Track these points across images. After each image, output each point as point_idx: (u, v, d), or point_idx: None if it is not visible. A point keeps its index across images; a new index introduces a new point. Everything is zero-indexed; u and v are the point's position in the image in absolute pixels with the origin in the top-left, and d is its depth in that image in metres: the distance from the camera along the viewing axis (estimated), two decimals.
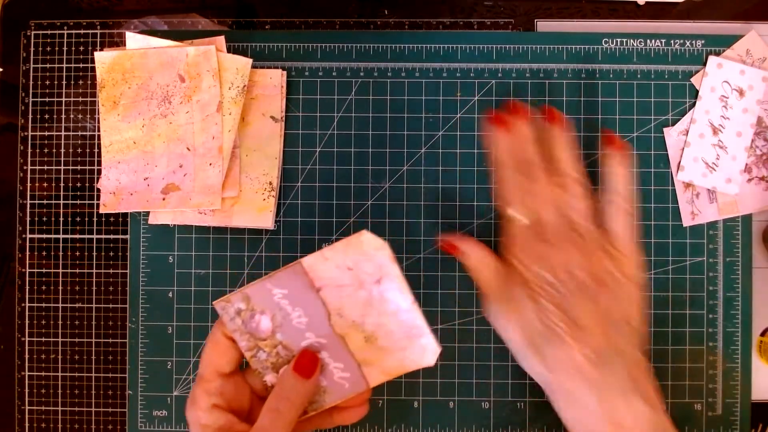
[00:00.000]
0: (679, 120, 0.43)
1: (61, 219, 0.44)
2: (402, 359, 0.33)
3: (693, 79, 0.43)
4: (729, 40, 0.43)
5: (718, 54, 0.43)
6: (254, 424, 0.31)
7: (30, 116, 0.45)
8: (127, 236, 0.44)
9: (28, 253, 0.44)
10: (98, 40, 0.45)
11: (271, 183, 0.43)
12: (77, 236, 0.44)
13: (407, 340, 0.33)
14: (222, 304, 0.33)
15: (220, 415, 0.31)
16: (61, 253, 0.44)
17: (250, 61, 0.42)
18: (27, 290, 0.44)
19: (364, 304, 0.33)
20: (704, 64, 0.43)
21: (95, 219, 0.44)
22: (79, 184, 0.44)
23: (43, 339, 0.44)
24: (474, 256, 0.36)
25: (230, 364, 0.33)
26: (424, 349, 0.33)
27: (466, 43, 0.44)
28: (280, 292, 0.33)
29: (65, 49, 0.45)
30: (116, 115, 0.43)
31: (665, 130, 0.43)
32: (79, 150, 0.44)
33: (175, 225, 0.43)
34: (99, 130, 0.43)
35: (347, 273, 0.33)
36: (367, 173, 0.43)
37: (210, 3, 0.45)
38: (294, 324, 0.33)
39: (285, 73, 0.43)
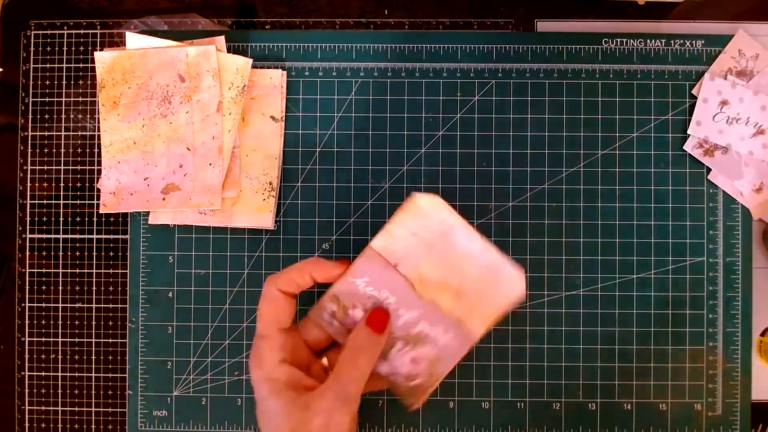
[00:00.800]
0: (679, 120, 0.43)
1: (61, 219, 0.44)
2: (495, 299, 0.34)
3: (694, 90, 0.43)
4: (728, 40, 0.43)
5: (716, 55, 0.43)
6: (332, 374, 0.32)
7: (30, 116, 0.45)
8: (127, 236, 0.44)
9: (28, 253, 0.44)
10: (98, 40, 0.45)
11: (271, 183, 0.43)
12: (77, 236, 0.44)
13: (493, 279, 0.34)
14: (317, 312, 0.34)
15: (288, 369, 0.32)
16: (61, 253, 0.44)
17: (250, 61, 0.42)
18: (27, 290, 0.44)
19: (441, 263, 0.34)
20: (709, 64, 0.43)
21: (95, 219, 0.44)
22: (79, 184, 0.44)
23: (43, 339, 0.44)
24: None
25: (289, 319, 0.34)
26: (511, 280, 0.34)
27: (466, 43, 0.44)
28: (363, 281, 0.34)
29: (65, 49, 0.45)
30: (116, 115, 0.43)
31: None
32: (79, 150, 0.44)
33: (175, 225, 0.43)
34: (99, 130, 0.43)
35: (414, 239, 0.34)
36: (367, 173, 0.43)
37: (210, 3, 0.45)
38: (384, 306, 0.34)
39: (285, 73, 0.43)
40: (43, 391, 0.44)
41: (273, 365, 0.32)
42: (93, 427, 0.44)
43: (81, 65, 0.45)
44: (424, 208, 0.34)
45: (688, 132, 0.43)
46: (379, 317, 0.34)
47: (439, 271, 0.34)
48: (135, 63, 0.42)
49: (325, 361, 0.35)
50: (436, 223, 0.34)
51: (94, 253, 0.44)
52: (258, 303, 0.34)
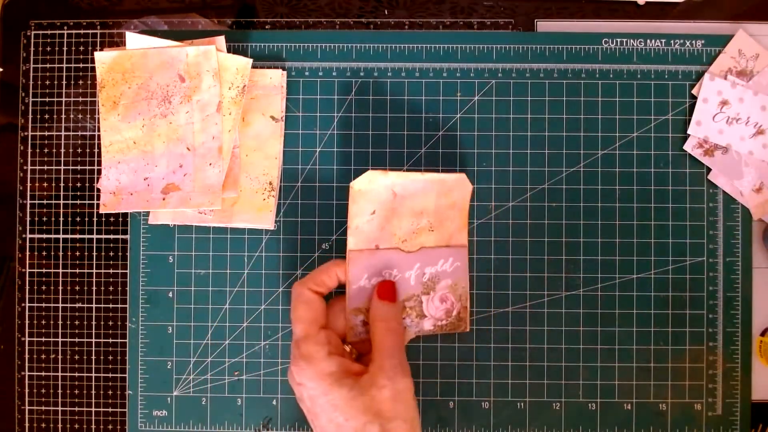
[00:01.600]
0: (679, 120, 0.43)
1: (61, 219, 0.44)
2: (457, 208, 0.39)
3: (694, 90, 0.43)
4: (728, 40, 0.43)
5: (716, 55, 0.43)
6: (375, 351, 0.35)
7: (30, 116, 0.45)
8: (127, 236, 0.44)
9: (28, 253, 0.44)
10: (98, 40, 0.45)
11: (271, 183, 0.43)
12: (77, 236, 0.44)
13: (445, 195, 0.38)
14: (352, 333, 0.37)
15: (338, 360, 0.34)
16: (61, 253, 0.44)
17: (250, 61, 0.42)
18: (27, 290, 0.44)
19: (405, 215, 0.38)
20: (709, 63, 0.43)
21: (95, 219, 0.44)
22: (79, 184, 0.44)
23: (43, 339, 0.44)
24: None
25: (324, 315, 0.36)
26: (457, 185, 0.38)
27: (466, 43, 0.44)
28: (364, 280, 0.37)
29: (65, 49, 0.45)
30: (116, 115, 0.43)
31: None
32: (79, 150, 0.44)
33: (175, 225, 0.43)
34: (99, 130, 0.43)
35: (375, 216, 0.37)
36: None
37: (210, 3, 0.45)
38: (394, 282, 0.38)
39: (285, 73, 0.43)
40: (43, 391, 0.44)
41: (324, 360, 0.34)
42: (93, 427, 0.44)
43: (81, 65, 0.45)
44: (364, 187, 0.36)
45: (688, 132, 0.43)
46: (386, 288, 0.37)
47: (409, 222, 0.38)
48: (135, 63, 0.42)
49: (347, 348, 0.37)
50: (382, 192, 0.37)
51: (94, 253, 0.44)
52: (292, 308, 0.35)
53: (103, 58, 0.43)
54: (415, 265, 0.38)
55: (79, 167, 0.44)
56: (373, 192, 0.37)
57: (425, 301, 0.39)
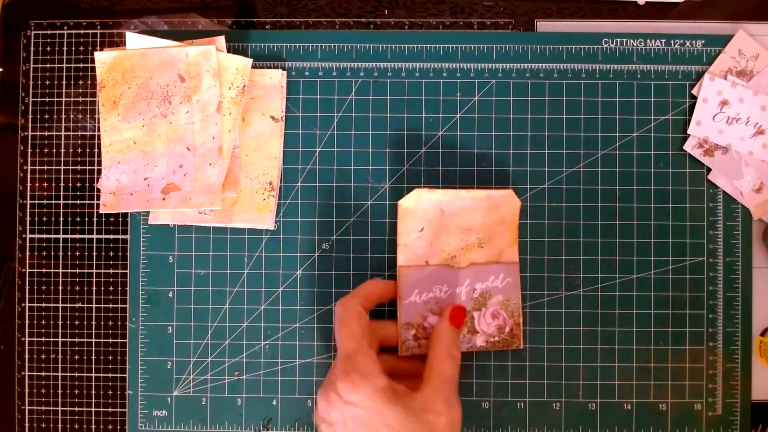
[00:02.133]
0: (679, 120, 0.43)
1: (61, 219, 0.44)
2: (506, 223, 0.39)
3: (694, 90, 0.43)
4: (728, 40, 0.43)
5: (716, 55, 0.43)
6: (434, 374, 0.34)
7: (30, 116, 0.45)
8: (127, 236, 0.44)
9: (28, 253, 0.44)
10: (98, 40, 0.45)
11: (271, 183, 0.43)
12: (77, 236, 0.44)
13: (493, 211, 0.39)
14: (404, 348, 0.39)
15: (388, 378, 0.33)
16: (61, 253, 0.44)
17: (250, 61, 0.42)
18: (27, 290, 0.44)
19: (453, 232, 0.39)
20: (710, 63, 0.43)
21: (95, 219, 0.44)
22: (79, 184, 0.44)
23: (43, 339, 0.44)
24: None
25: (369, 333, 0.36)
26: (505, 200, 0.39)
27: (466, 43, 0.44)
28: (415, 295, 0.39)
29: (65, 49, 0.45)
30: (116, 115, 0.43)
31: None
32: (79, 150, 0.44)
33: (175, 225, 0.43)
34: (99, 130, 0.43)
35: (423, 234, 0.38)
36: (367, 173, 0.43)
37: (210, 3, 0.45)
38: (445, 297, 0.39)
39: (285, 73, 0.43)
40: (43, 391, 0.44)
41: (380, 375, 0.32)
42: (93, 427, 0.44)
43: (81, 65, 0.45)
44: (411, 206, 0.38)
45: (688, 132, 0.43)
46: (458, 314, 0.37)
47: (458, 239, 0.39)
48: (135, 63, 0.42)
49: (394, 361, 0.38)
50: (429, 210, 0.38)
51: (94, 253, 0.44)
52: (340, 323, 0.35)
53: (103, 58, 0.43)
54: (465, 281, 0.39)
55: (79, 167, 0.44)
56: (420, 210, 0.38)
57: (477, 317, 0.40)
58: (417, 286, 0.39)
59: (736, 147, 0.43)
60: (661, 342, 0.43)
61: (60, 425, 0.44)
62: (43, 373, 0.44)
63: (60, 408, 0.44)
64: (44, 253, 0.44)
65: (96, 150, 0.44)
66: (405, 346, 0.39)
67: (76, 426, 0.44)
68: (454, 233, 0.39)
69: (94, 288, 0.44)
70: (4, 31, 0.45)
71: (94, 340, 0.44)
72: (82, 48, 0.45)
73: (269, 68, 0.43)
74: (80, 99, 0.45)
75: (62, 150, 0.44)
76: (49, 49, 0.45)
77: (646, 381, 0.43)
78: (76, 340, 0.44)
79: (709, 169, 0.43)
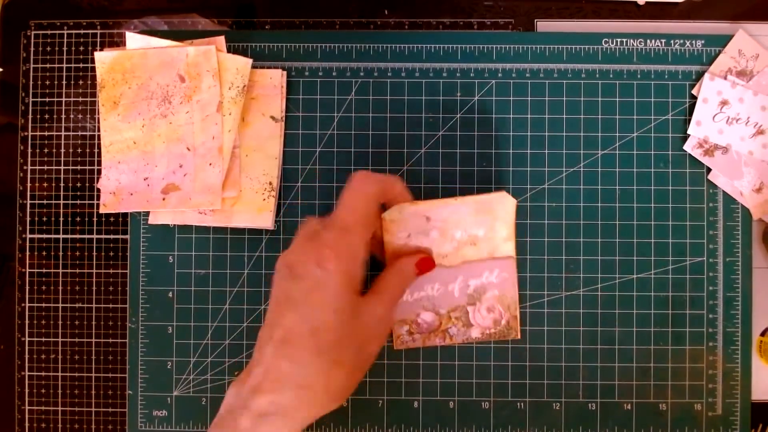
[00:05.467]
0: (679, 120, 0.43)
1: (61, 219, 0.44)
2: (502, 222, 0.38)
3: (694, 91, 0.43)
4: (728, 40, 0.43)
5: (716, 55, 0.43)
6: (377, 288, 0.35)
7: (30, 116, 0.45)
8: (127, 236, 0.44)
9: (28, 253, 0.44)
10: (98, 40, 0.45)
11: (271, 183, 0.43)
12: (77, 236, 0.44)
13: (486, 212, 0.38)
14: (400, 345, 0.40)
15: (362, 271, 0.34)
16: (61, 253, 0.44)
17: (250, 61, 0.42)
18: (27, 290, 0.44)
19: (442, 235, 0.38)
20: (710, 63, 0.43)
21: (95, 219, 0.44)
22: (79, 184, 0.44)
23: (43, 339, 0.44)
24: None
25: (374, 226, 0.37)
26: (499, 201, 0.38)
27: (466, 43, 0.44)
28: (408, 294, 0.39)
29: (65, 49, 0.45)
30: (116, 115, 0.43)
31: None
32: (79, 150, 0.44)
33: (175, 225, 0.43)
34: (99, 130, 0.43)
35: (411, 239, 0.38)
36: None
37: (210, 3, 0.45)
38: (437, 294, 0.39)
39: (285, 73, 0.43)
40: (43, 391, 0.44)
41: (361, 266, 0.33)
42: (93, 427, 0.44)
43: (81, 65, 0.44)
44: (396, 217, 0.37)
45: (688, 132, 0.43)
46: (427, 264, 0.37)
47: (448, 241, 0.38)
48: (135, 63, 0.42)
49: None
50: (413, 218, 0.38)
51: (94, 253, 0.44)
52: (347, 191, 0.34)
53: (103, 58, 0.43)
54: (458, 278, 0.39)
55: (79, 167, 0.44)
56: (405, 219, 0.38)
57: (471, 311, 0.40)
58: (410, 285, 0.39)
59: (736, 147, 0.43)
60: (661, 342, 0.43)
61: (60, 425, 0.44)
62: (43, 373, 0.44)
63: (60, 408, 0.44)
64: (44, 253, 0.44)
65: (96, 150, 0.44)
66: (399, 340, 0.40)
67: (76, 426, 0.44)
68: (442, 235, 0.38)
69: (94, 288, 0.44)
70: (4, 31, 0.45)
71: (94, 340, 0.44)
72: (82, 48, 0.45)
73: (269, 68, 0.43)
74: (80, 99, 0.45)
75: (62, 150, 0.44)
76: (49, 49, 0.45)
77: (646, 381, 0.43)
78: (76, 340, 0.44)
79: (709, 169, 0.43)
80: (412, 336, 0.40)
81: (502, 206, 0.38)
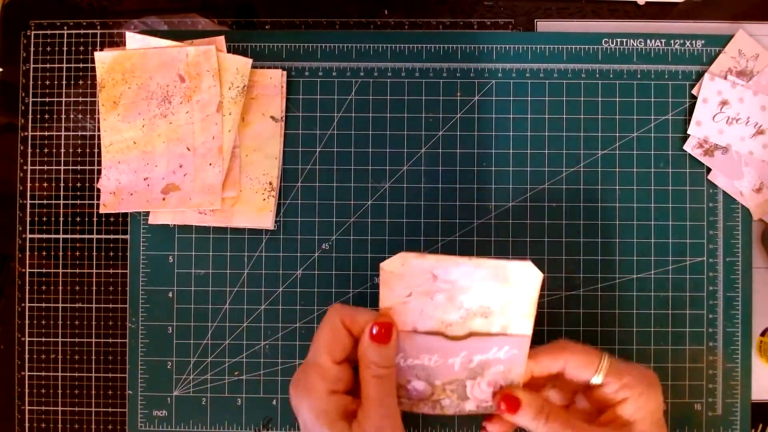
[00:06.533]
0: (679, 120, 0.43)
1: (61, 219, 0.44)
2: (521, 296, 0.32)
3: (694, 91, 0.43)
4: (728, 40, 0.43)
5: (716, 55, 0.43)
6: (364, 396, 0.31)
7: (30, 116, 0.45)
8: (127, 236, 0.44)
9: (28, 253, 0.44)
10: (98, 40, 0.45)
11: (271, 183, 0.43)
12: (77, 236, 0.44)
13: (505, 281, 0.32)
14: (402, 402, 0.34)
15: (337, 399, 0.31)
16: (61, 253, 0.44)
17: (250, 61, 0.42)
18: (27, 290, 0.44)
19: (449, 300, 0.33)
20: (710, 63, 0.43)
21: (95, 219, 0.44)
22: (79, 184, 0.44)
23: (43, 339, 0.44)
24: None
25: (344, 352, 0.32)
26: (522, 272, 0.32)
27: (466, 43, 0.44)
28: (400, 358, 0.33)
29: (65, 49, 0.45)
30: (116, 115, 0.43)
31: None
32: (79, 150, 0.44)
33: (175, 225, 0.43)
34: (99, 130, 0.43)
35: (412, 298, 0.32)
36: (367, 173, 0.43)
37: (210, 3, 0.45)
38: (434, 366, 0.34)
39: (285, 73, 0.43)
40: (43, 391, 0.44)
41: (323, 396, 0.31)
42: (93, 427, 0.44)
43: (81, 65, 0.44)
44: (397, 269, 0.32)
45: (688, 132, 0.43)
46: (382, 331, 0.32)
47: (454, 308, 0.33)
48: (135, 63, 0.42)
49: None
50: (417, 273, 0.32)
51: (94, 253, 0.44)
52: (318, 328, 0.33)
53: (103, 58, 0.43)
54: (461, 352, 0.33)
55: (79, 167, 0.44)
56: (408, 275, 0.32)
57: (470, 385, 0.35)
58: (401, 351, 0.33)
59: (736, 147, 0.43)
60: (661, 342, 0.43)
61: (60, 425, 0.44)
62: (43, 373, 0.44)
63: (60, 408, 0.44)
64: (44, 253, 0.44)
65: (96, 150, 0.44)
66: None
67: (76, 426, 0.44)
68: (449, 300, 0.32)
69: (94, 288, 0.44)
70: (4, 31, 0.45)
71: (94, 340, 0.44)
72: (82, 48, 0.45)
73: (269, 68, 0.43)
74: (80, 99, 0.45)
75: (62, 150, 0.44)
76: (49, 49, 0.45)
77: None
78: (76, 340, 0.44)
79: (709, 169, 0.43)
80: (400, 400, 0.35)
81: (524, 279, 0.32)
